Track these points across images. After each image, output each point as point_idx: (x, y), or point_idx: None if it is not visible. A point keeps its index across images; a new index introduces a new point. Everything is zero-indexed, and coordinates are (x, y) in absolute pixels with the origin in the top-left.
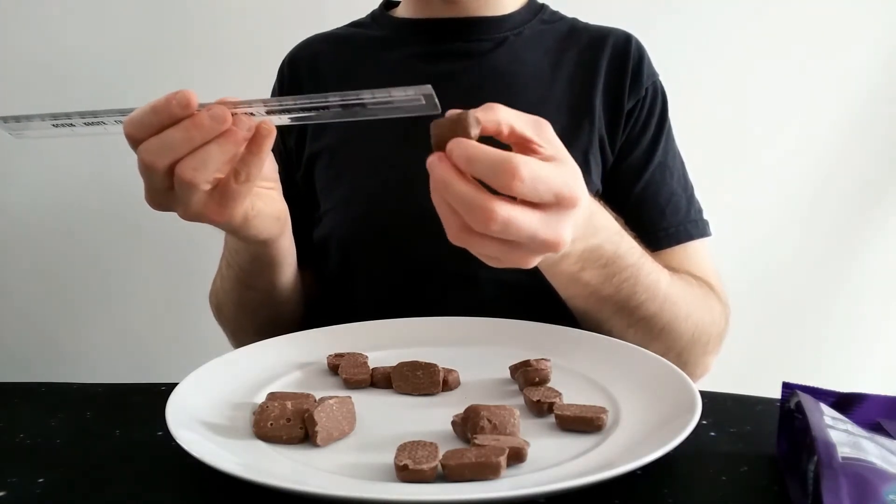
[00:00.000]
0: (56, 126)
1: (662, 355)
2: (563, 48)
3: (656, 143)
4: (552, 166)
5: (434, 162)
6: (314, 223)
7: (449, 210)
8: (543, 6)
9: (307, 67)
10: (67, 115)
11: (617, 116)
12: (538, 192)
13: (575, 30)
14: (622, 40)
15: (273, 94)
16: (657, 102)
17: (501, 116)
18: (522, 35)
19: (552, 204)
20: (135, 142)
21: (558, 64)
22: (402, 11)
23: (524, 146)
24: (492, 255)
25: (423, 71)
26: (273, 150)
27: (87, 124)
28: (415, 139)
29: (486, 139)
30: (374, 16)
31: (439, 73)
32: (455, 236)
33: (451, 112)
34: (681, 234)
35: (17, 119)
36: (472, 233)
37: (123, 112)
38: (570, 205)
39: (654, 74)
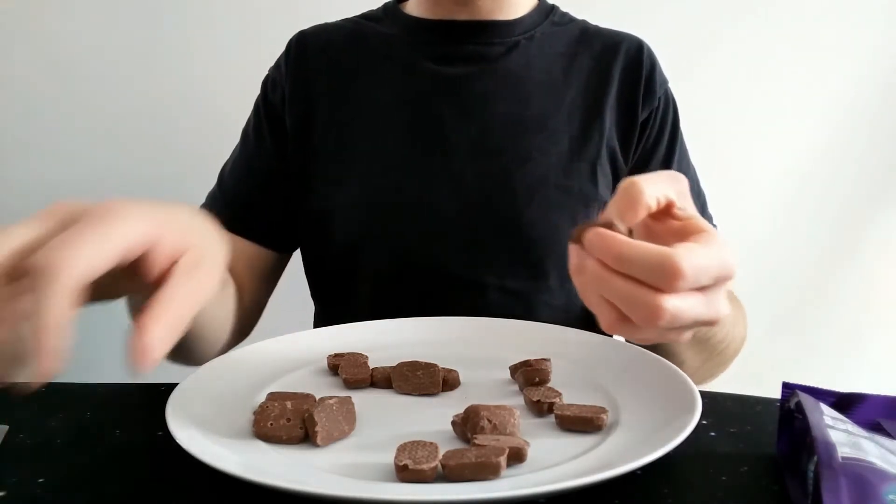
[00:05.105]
0: None
1: (710, 371)
2: (575, 52)
3: (671, 153)
4: (709, 249)
5: (584, 258)
6: (294, 201)
7: (603, 301)
8: (554, 7)
9: (318, 51)
10: None
11: (630, 127)
12: (700, 282)
13: (587, 33)
14: (635, 48)
15: (277, 67)
16: (669, 111)
17: (653, 191)
18: (534, 39)
19: (711, 285)
20: None
21: (570, 69)
22: (413, 9)
23: (665, 210)
24: (648, 339)
25: (436, 73)
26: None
27: None
28: (425, 143)
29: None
30: (386, 9)
31: (452, 76)
32: (610, 327)
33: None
34: None
35: None
36: (632, 324)
37: None
38: (727, 279)
39: (665, 82)
